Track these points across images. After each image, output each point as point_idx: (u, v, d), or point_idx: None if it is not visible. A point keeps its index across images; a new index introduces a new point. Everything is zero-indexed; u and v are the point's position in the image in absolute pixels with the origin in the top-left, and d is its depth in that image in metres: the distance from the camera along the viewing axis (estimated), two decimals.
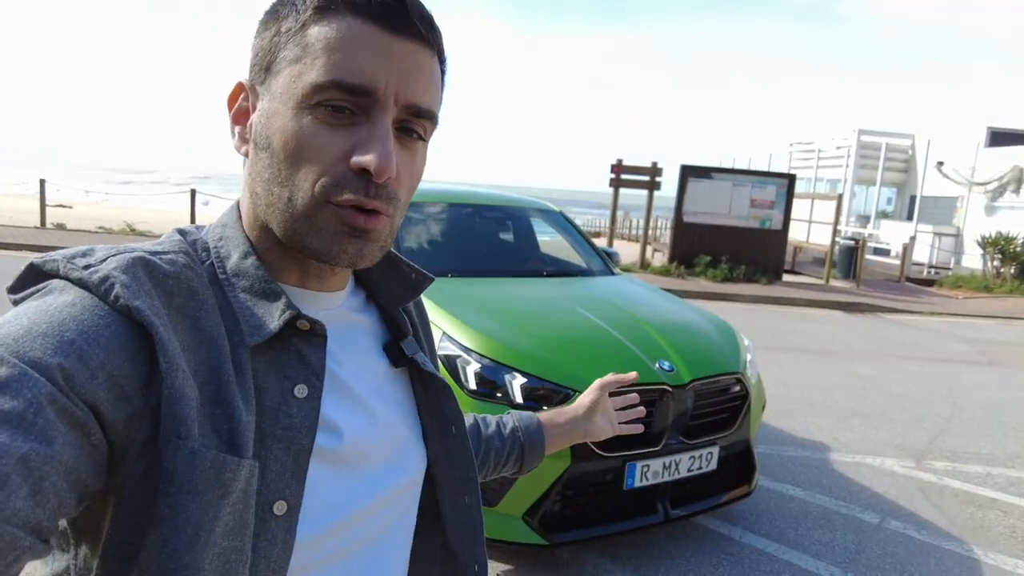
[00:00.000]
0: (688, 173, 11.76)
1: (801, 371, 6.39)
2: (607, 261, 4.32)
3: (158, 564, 0.50)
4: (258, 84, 0.61)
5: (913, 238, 14.42)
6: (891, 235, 17.35)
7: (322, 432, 0.61)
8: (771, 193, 11.96)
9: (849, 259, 12.79)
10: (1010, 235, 14.00)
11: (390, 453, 0.69)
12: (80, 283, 0.52)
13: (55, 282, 0.53)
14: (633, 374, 1.10)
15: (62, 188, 17.83)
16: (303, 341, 0.61)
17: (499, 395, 2.61)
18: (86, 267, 0.53)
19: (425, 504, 0.76)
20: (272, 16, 0.61)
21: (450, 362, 2.71)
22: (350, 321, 0.70)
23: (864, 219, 20.33)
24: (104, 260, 0.54)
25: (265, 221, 0.61)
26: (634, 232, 22.48)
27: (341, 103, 0.57)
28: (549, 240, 4.74)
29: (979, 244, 14.26)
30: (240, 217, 0.65)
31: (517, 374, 2.62)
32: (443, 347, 2.76)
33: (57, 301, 0.51)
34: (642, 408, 1.12)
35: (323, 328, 0.62)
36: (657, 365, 2.78)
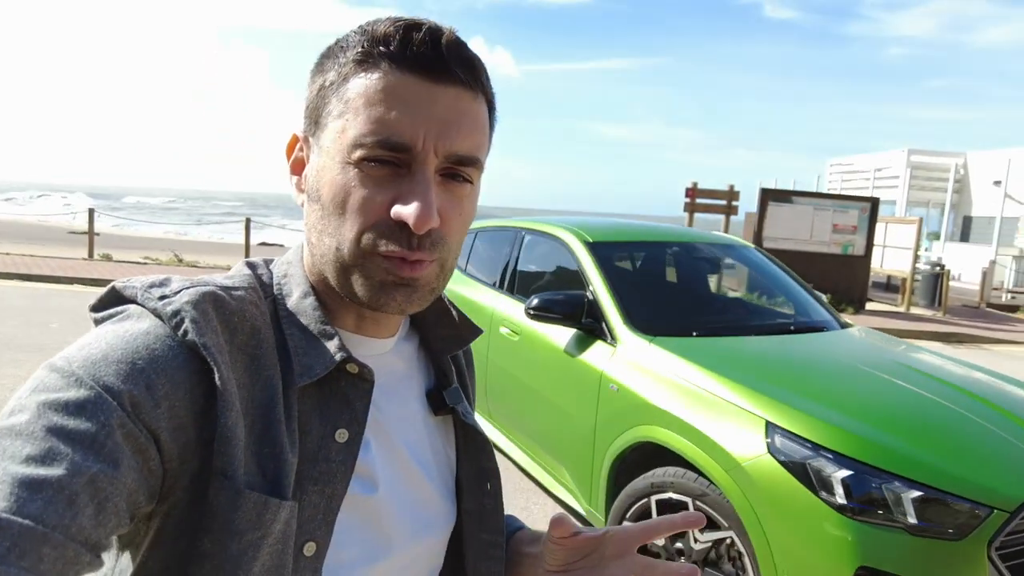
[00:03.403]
0: (768, 197, 11.18)
1: None
2: (829, 308, 3.70)
3: None
4: (310, 136, 0.63)
5: (993, 262, 13.78)
6: (954, 258, 16.71)
7: (357, 480, 0.61)
8: (853, 217, 11.36)
9: (933, 286, 12.15)
10: None
11: (421, 508, 0.68)
12: (155, 312, 0.55)
13: (133, 308, 0.56)
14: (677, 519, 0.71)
15: (79, 214, 17.43)
16: (350, 385, 0.62)
17: (880, 512, 1.97)
18: (161, 297, 0.56)
19: (452, 563, 0.73)
20: (318, 69, 0.62)
21: (797, 467, 2.07)
22: (398, 367, 0.71)
23: None
24: (178, 292, 0.56)
25: (321, 269, 0.63)
26: None
27: (382, 158, 0.57)
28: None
29: None
30: (303, 259, 0.67)
31: (900, 483, 1.99)
32: (782, 446, 2.13)
33: (133, 328, 0.54)
34: None
35: (371, 374, 0.62)
36: None
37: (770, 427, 2.19)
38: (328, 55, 0.61)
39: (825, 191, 19.74)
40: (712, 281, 3.77)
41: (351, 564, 0.61)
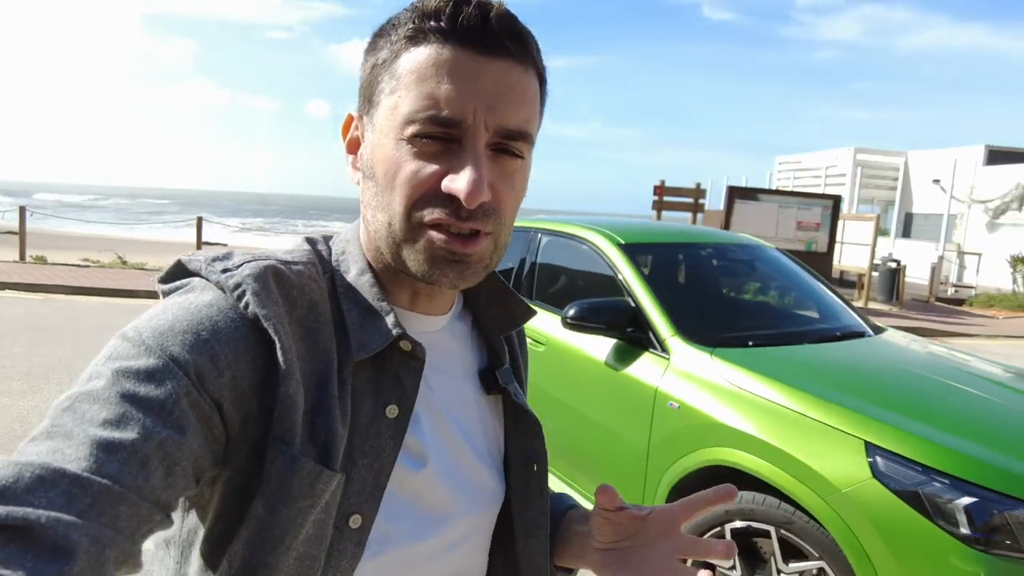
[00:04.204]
0: (735, 195, 11.25)
1: None
2: (856, 310, 3.59)
3: (243, 559, 0.55)
4: (364, 115, 0.64)
5: (942, 257, 14.30)
6: (898, 254, 17.31)
7: (406, 455, 0.62)
8: (817, 215, 11.52)
9: (889, 281, 12.49)
10: None
11: (469, 484, 0.69)
12: (218, 285, 0.57)
13: (197, 281, 0.59)
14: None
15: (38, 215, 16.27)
16: (402, 362, 0.62)
17: (1008, 542, 1.81)
18: (224, 271, 0.58)
19: (500, 541, 0.74)
20: (371, 48, 0.63)
21: (909, 494, 1.89)
22: (451, 345, 0.71)
23: None
24: (240, 266, 0.58)
25: (377, 245, 0.64)
26: None
27: (434, 134, 0.57)
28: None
29: (1010, 263, 14.23)
30: (359, 237, 0.68)
31: None
32: (888, 470, 1.94)
33: (198, 300, 0.56)
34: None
35: (423, 352, 0.63)
36: None
37: (870, 448, 2.00)
38: (381, 34, 0.62)
39: (776, 188, 20.18)
40: (746, 285, 3.60)
41: (400, 539, 0.62)
